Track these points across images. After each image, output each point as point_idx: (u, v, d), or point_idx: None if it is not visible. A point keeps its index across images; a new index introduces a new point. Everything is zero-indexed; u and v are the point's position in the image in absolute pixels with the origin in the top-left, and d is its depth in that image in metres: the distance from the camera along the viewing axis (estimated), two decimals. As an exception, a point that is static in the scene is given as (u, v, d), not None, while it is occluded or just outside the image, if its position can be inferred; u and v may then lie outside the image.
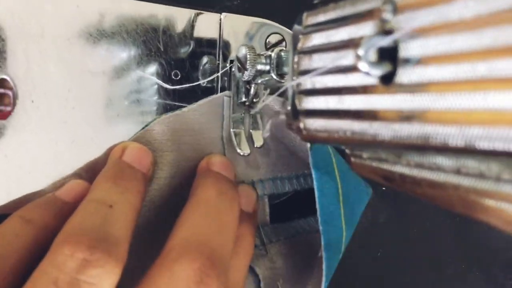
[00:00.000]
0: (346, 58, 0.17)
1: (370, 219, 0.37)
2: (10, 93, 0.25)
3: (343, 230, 0.27)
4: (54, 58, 0.26)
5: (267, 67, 0.27)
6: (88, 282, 0.17)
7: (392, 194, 0.37)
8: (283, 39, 0.32)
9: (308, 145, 0.24)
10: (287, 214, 0.32)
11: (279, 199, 0.33)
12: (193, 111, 0.28)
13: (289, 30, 0.31)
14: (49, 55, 0.26)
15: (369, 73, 0.15)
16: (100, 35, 0.27)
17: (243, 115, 0.30)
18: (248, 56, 0.26)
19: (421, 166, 0.17)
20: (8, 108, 0.25)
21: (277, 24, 0.32)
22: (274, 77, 0.26)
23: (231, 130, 0.30)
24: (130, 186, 0.22)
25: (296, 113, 0.21)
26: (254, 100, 0.29)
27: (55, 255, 0.18)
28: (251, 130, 0.30)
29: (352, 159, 0.21)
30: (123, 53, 0.28)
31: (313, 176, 0.24)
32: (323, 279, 0.27)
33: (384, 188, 0.37)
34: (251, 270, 0.29)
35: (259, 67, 0.26)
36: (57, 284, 0.17)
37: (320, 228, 0.25)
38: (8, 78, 0.25)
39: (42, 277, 0.17)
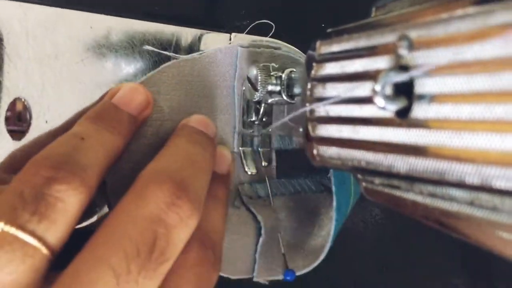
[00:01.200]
0: (361, 89, 0.18)
1: (376, 235, 0.37)
2: (24, 113, 0.25)
3: (351, 195, 0.28)
4: (68, 79, 0.26)
5: (278, 88, 0.27)
6: (53, 196, 0.17)
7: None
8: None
9: None
10: (293, 172, 0.32)
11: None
12: (206, 57, 0.28)
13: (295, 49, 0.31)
14: (63, 76, 0.26)
15: (385, 108, 0.16)
16: (112, 55, 0.27)
17: (252, 133, 0.30)
18: (259, 76, 0.26)
19: (434, 196, 0.18)
20: (23, 129, 0.25)
21: (285, 44, 0.32)
22: (285, 98, 0.27)
23: (240, 148, 0.30)
24: (109, 126, 0.22)
25: (310, 139, 0.21)
26: (264, 119, 0.30)
27: (21, 175, 0.18)
28: (259, 149, 0.31)
29: (364, 184, 0.22)
30: (136, 73, 0.28)
31: None
32: (329, 239, 0.27)
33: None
34: (253, 217, 0.29)
35: (270, 87, 0.27)
36: (22, 196, 0.17)
37: (333, 189, 0.26)
38: (23, 99, 0.25)
39: (8, 190, 0.18)
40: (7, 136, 0.25)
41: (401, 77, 0.15)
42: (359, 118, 0.18)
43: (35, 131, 0.26)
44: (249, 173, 0.30)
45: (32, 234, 0.17)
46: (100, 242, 0.17)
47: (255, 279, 0.28)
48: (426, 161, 0.15)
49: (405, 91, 0.16)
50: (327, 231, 0.29)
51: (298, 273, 0.28)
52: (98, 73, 0.27)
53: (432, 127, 0.15)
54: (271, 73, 0.27)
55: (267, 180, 0.30)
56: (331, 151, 0.20)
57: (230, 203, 0.29)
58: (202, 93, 0.28)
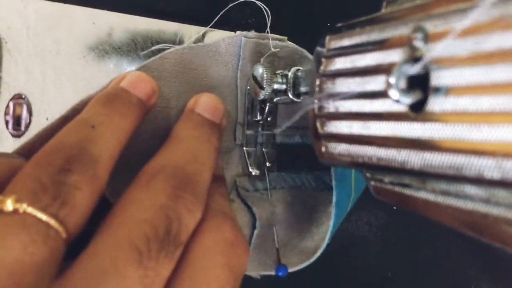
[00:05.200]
0: (373, 83, 0.17)
1: (381, 239, 0.37)
2: (25, 110, 0.25)
3: (352, 190, 0.28)
4: (69, 76, 0.26)
5: (284, 86, 0.26)
6: (71, 185, 0.18)
7: (404, 214, 0.37)
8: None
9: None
10: (294, 166, 0.32)
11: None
12: (209, 46, 0.27)
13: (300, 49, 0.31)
14: (64, 72, 0.25)
15: (399, 101, 0.15)
16: (115, 52, 0.26)
17: (257, 133, 0.30)
18: (265, 75, 0.26)
19: (448, 194, 0.17)
20: (23, 125, 0.25)
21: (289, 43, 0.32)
22: (291, 96, 0.26)
23: (244, 148, 0.30)
24: (119, 109, 0.22)
25: (318, 137, 0.20)
26: (269, 119, 0.29)
27: (35, 162, 0.18)
28: (263, 149, 0.30)
29: (372, 183, 0.21)
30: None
31: None
32: (326, 236, 0.27)
33: (395, 208, 0.37)
34: (249, 210, 0.28)
35: (276, 86, 0.26)
36: (41, 181, 0.17)
37: (333, 184, 0.26)
38: (23, 95, 0.24)
39: (24, 174, 0.18)
40: (7, 133, 0.24)
41: (416, 68, 0.15)
42: (371, 113, 0.17)
43: (35, 128, 0.25)
44: (254, 173, 0.29)
45: (55, 217, 0.17)
46: (116, 225, 0.18)
47: (247, 273, 0.28)
48: (442, 156, 0.15)
49: (419, 85, 0.15)
50: (324, 229, 0.28)
51: (290, 270, 0.28)
52: (100, 70, 0.26)
53: (449, 120, 0.14)
54: (277, 72, 0.27)
55: (266, 174, 0.30)
56: (341, 148, 0.19)
57: None
58: (203, 82, 0.27)
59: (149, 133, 0.26)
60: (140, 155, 0.23)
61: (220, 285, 0.19)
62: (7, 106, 0.24)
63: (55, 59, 0.25)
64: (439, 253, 0.39)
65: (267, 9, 0.29)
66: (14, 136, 0.25)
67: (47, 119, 0.25)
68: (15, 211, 0.17)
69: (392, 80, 0.15)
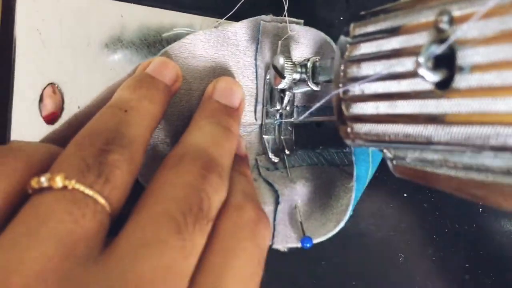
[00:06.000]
0: (399, 65, 0.18)
1: (392, 225, 0.38)
2: (58, 98, 0.26)
3: (369, 165, 0.29)
4: (99, 65, 0.27)
5: (303, 76, 0.28)
6: (112, 164, 0.19)
7: (412, 203, 0.39)
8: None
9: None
10: (311, 144, 0.33)
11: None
12: (230, 29, 0.29)
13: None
14: (94, 62, 0.27)
15: (427, 79, 0.16)
16: (141, 43, 0.28)
17: (276, 122, 0.31)
18: (285, 65, 0.27)
19: (469, 168, 0.18)
20: (56, 113, 0.26)
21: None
22: (311, 85, 0.27)
23: (264, 136, 0.31)
24: (148, 94, 0.23)
25: (343, 119, 0.22)
26: (288, 108, 0.30)
27: (76, 143, 0.20)
28: (282, 137, 0.31)
29: (394, 162, 0.22)
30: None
31: None
32: (348, 208, 0.29)
33: (405, 195, 0.38)
34: (271, 188, 0.30)
35: (295, 76, 0.28)
36: (85, 161, 0.19)
37: (353, 159, 0.28)
38: (56, 84, 0.26)
39: (68, 154, 0.19)
40: (41, 119, 0.25)
41: (443, 47, 0.16)
42: (397, 93, 0.19)
43: (67, 116, 0.26)
44: (273, 160, 0.30)
45: (100, 193, 0.18)
46: (153, 202, 0.19)
47: (274, 246, 0.29)
48: (469, 128, 0.16)
49: (443, 65, 0.17)
50: (344, 203, 0.30)
51: (315, 241, 0.29)
52: (127, 60, 0.28)
53: (475, 95, 0.16)
54: (296, 62, 0.28)
55: (286, 161, 0.31)
56: (366, 128, 0.20)
57: None
58: (225, 64, 0.29)
59: (175, 115, 0.27)
60: (167, 137, 0.25)
61: (248, 256, 0.21)
62: (42, 94, 0.25)
63: (86, 50, 0.26)
64: (447, 244, 0.40)
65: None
66: (47, 123, 0.26)
67: (78, 107, 0.26)
68: (64, 187, 0.18)
69: (421, 59, 0.16)
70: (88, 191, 0.18)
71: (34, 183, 0.18)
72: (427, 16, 0.18)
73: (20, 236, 0.16)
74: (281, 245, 0.29)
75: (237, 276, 0.20)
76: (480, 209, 0.42)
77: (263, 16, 0.30)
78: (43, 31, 0.25)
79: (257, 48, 0.30)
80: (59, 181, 0.18)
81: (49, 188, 0.18)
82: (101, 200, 0.18)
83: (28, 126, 0.25)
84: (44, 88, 0.25)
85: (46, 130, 0.25)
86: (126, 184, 0.20)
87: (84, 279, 0.16)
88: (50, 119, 0.26)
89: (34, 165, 0.19)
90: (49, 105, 0.26)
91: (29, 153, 0.19)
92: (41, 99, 0.25)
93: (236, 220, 0.21)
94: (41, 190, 0.18)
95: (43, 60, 0.25)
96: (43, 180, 0.18)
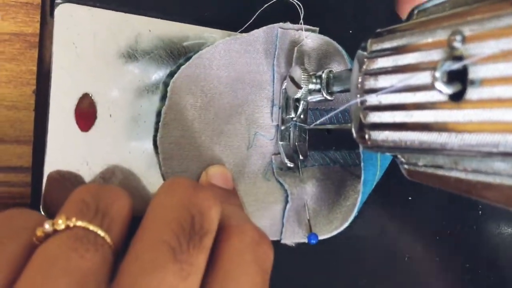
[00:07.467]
0: (415, 78, 0.20)
1: (397, 226, 0.40)
2: (92, 107, 0.27)
3: (377, 169, 0.31)
4: (128, 76, 0.29)
5: (318, 86, 0.30)
6: (107, 202, 0.21)
7: (416, 207, 0.41)
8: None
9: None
10: (324, 145, 0.36)
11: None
12: (251, 36, 0.31)
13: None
14: (124, 73, 0.28)
15: (443, 91, 0.18)
16: (167, 56, 0.30)
17: (291, 129, 0.33)
18: (302, 76, 0.29)
19: (478, 171, 0.20)
20: (91, 121, 0.28)
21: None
22: (325, 95, 0.29)
23: (279, 142, 0.33)
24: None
25: (361, 127, 0.24)
26: (302, 116, 0.32)
27: (76, 193, 0.22)
28: (296, 143, 0.33)
29: (406, 166, 0.24)
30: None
31: None
32: (355, 209, 0.31)
33: (410, 198, 0.40)
34: (282, 187, 0.32)
35: (311, 86, 0.30)
36: (84, 201, 0.21)
37: (362, 164, 0.30)
38: (90, 94, 0.27)
39: (70, 199, 0.21)
40: (77, 128, 0.27)
41: (458, 65, 0.18)
42: (413, 104, 0.21)
43: (100, 124, 0.28)
44: (289, 165, 0.32)
45: (100, 226, 0.20)
46: (149, 228, 0.20)
47: (282, 242, 0.32)
48: (480, 135, 0.18)
49: (456, 79, 0.19)
50: (351, 202, 0.32)
51: (321, 238, 0.32)
52: (153, 71, 0.29)
53: (486, 106, 0.18)
54: (311, 73, 0.30)
55: (299, 166, 0.33)
56: (383, 135, 0.22)
57: (261, 176, 0.32)
58: (246, 69, 0.31)
59: (197, 118, 0.29)
60: (192, 139, 0.27)
61: (251, 279, 0.21)
62: (77, 104, 0.27)
63: (117, 61, 0.28)
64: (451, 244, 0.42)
65: (299, 3, 0.32)
66: (82, 130, 0.27)
67: (110, 115, 0.28)
68: (67, 227, 0.20)
69: (438, 74, 0.18)
70: (89, 226, 0.20)
71: (39, 232, 0.19)
72: (440, 35, 0.20)
73: (34, 279, 0.17)
74: (289, 241, 0.32)
75: None
76: (480, 212, 0.44)
77: (281, 24, 0.32)
78: (79, 44, 0.27)
79: (275, 54, 0.32)
80: (61, 223, 0.20)
81: (54, 232, 0.20)
82: (101, 232, 0.20)
83: (65, 133, 0.27)
84: (79, 97, 0.27)
85: (81, 137, 0.27)
86: (123, 217, 0.21)
87: None
88: (85, 127, 0.27)
89: (37, 222, 0.20)
90: (84, 114, 0.27)
91: (28, 215, 0.21)
92: (76, 108, 0.27)
93: (237, 243, 0.22)
94: (47, 237, 0.19)
95: (78, 71, 0.27)
96: (47, 226, 0.19)
